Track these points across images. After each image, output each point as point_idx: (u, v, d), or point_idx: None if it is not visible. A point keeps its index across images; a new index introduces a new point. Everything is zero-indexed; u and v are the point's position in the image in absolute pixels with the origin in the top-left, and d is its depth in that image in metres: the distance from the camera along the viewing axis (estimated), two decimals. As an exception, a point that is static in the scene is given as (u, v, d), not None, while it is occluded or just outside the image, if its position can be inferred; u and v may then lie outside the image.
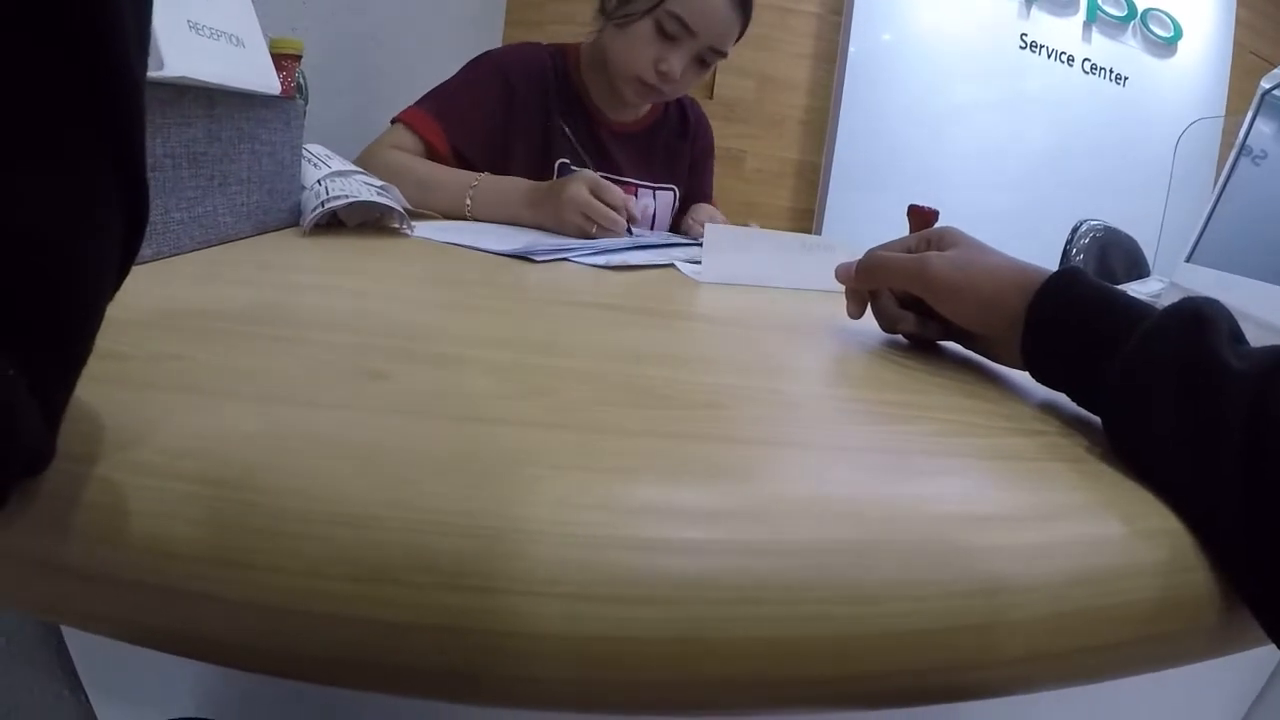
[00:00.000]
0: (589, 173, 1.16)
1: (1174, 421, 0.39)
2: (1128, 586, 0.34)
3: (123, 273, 0.26)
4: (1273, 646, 0.34)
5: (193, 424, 0.31)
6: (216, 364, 0.38)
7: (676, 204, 1.64)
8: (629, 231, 1.13)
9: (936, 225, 0.62)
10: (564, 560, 0.27)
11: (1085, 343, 0.48)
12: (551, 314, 0.64)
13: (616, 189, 1.15)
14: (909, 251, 0.64)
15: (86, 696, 0.70)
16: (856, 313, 0.68)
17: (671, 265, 1.00)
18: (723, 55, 1.39)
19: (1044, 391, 0.53)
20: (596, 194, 1.12)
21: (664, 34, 1.32)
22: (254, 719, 0.61)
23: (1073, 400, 0.50)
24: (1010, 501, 0.36)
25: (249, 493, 0.27)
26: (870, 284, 0.66)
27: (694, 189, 1.68)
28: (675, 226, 1.63)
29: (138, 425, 0.30)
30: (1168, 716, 0.79)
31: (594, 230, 1.11)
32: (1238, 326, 0.42)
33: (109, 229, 0.24)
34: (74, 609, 0.28)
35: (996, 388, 0.56)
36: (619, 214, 1.12)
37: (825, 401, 0.50)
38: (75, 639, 0.68)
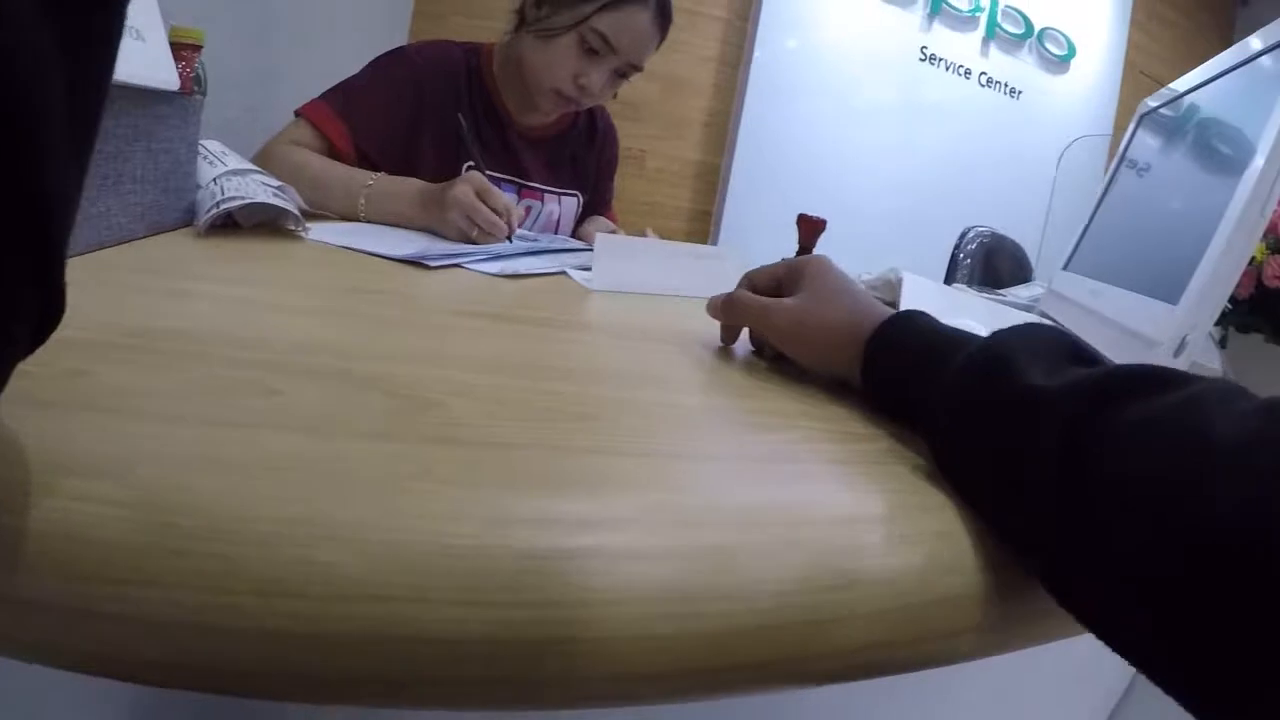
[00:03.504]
0: (476, 175, 1.16)
1: (986, 462, 0.42)
2: (954, 580, 0.39)
3: (28, 354, 0.26)
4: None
5: (97, 444, 0.31)
6: (118, 381, 0.38)
7: (580, 210, 1.65)
8: (509, 238, 1.13)
9: (818, 258, 0.67)
10: (450, 570, 0.29)
11: (906, 389, 0.52)
12: (444, 324, 0.65)
13: (501, 193, 1.15)
14: (775, 280, 0.68)
15: None
16: (728, 340, 0.73)
17: (564, 273, 1.02)
18: (639, 70, 1.41)
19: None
20: (482, 197, 1.12)
21: (587, 49, 1.34)
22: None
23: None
24: (858, 504, 0.41)
25: (154, 513, 0.28)
26: (730, 322, 0.71)
27: (594, 198, 1.70)
28: (573, 234, 1.64)
29: (45, 446, 0.30)
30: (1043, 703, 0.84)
31: (474, 233, 1.11)
32: (1079, 347, 0.46)
33: (16, 339, 0.24)
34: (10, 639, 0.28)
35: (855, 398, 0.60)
36: (501, 218, 1.12)
37: (701, 412, 0.53)
38: None
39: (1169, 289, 0.90)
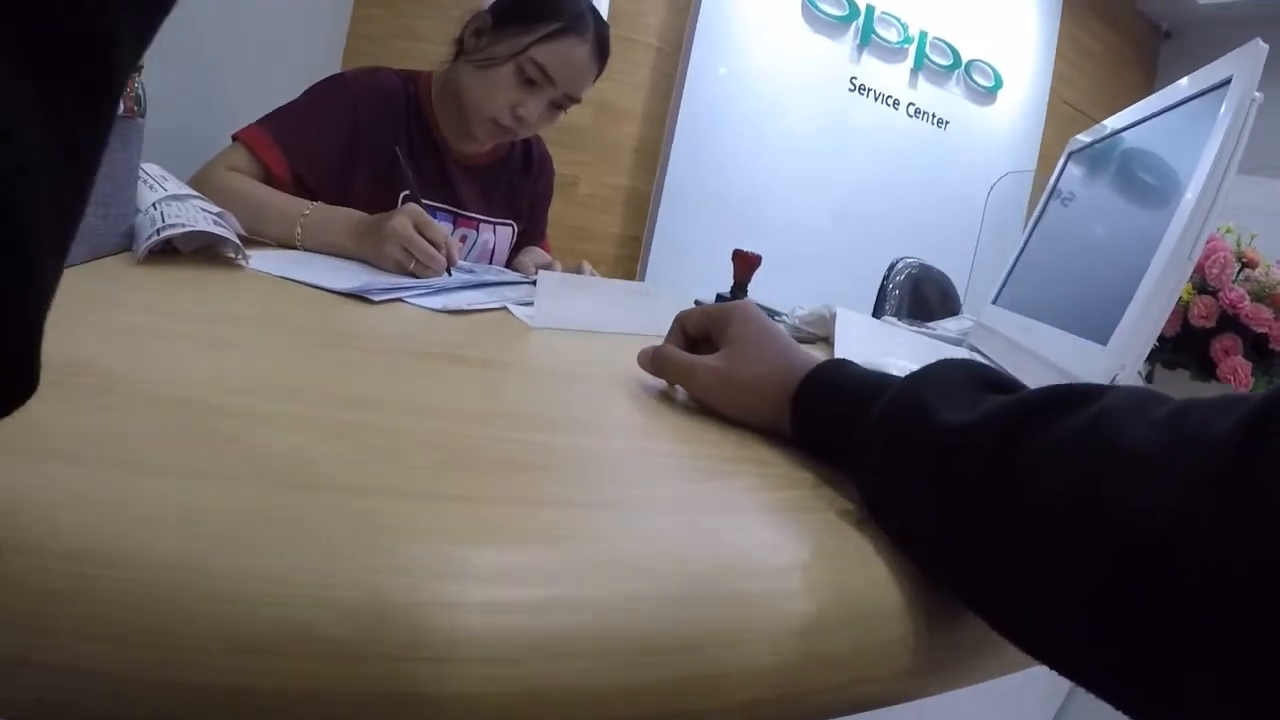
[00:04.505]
0: (414, 207, 1.15)
1: (913, 502, 0.44)
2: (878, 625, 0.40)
3: None
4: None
5: (49, 493, 0.31)
6: (69, 425, 0.37)
7: (514, 239, 1.65)
8: (448, 271, 1.13)
9: (741, 307, 0.68)
10: (376, 623, 0.29)
11: (832, 438, 0.55)
12: (387, 365, 0.65)
13: (440, 226, 1.15)
14: (702, 330, 0.70)
15: None
16: (669, 385, 0.73)
17: (505, 308, 1.03)
18: (577, 101, 1.42)
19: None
20: (420, 229, 1.11)
21: (525, 79, 1.35)
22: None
23: None
24: (775, 552, 0.42)
25: (108, 568, 0.28)
26: (658, 376, 0.72)
27: (529, 228, 1.70)
28: (508, 264, 1.65)
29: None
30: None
31: (412, 265, 1.10)
32: (991, 376, 0.48)
33: None
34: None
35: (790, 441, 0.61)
36: (439, 251, 1.11)
37: (632, 457, 0.54)
38: None
39: (1099, 328, 0.93)
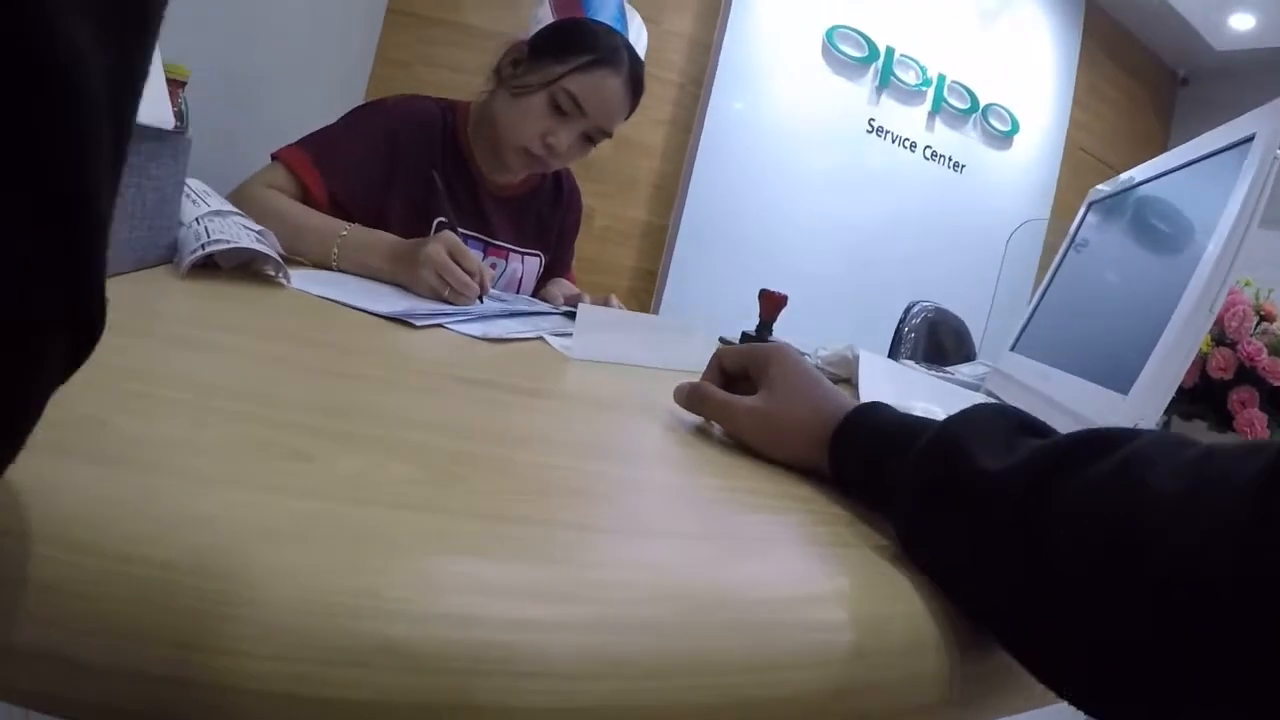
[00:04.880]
0: (450, 234, 1.16)
1: (950, 548, 0.45)
2: (913, 660, 0.40)
3: (65, 378, 0.24)
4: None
5: (122, 499, 0.31)
6: (136, 433, 0.38)
7: (541, 270, 1.67)
8: (480, 299, 1.14)
9: (780, 349, 0.69)
10: (429, 639, 0.29)
11: (869, 483, 0.55)
12: (426, 386, 0.66)
13: (474, 255, 1.15)
14: (742, 369, 0.71)
15: None
16: (706, 421, 0.73)
17: (540, 338, 1.04)
18: (608, 135, 1.44)
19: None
20: (455, 257, 1.12)
21: (557, 109, 1.36)
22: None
23: None
24: (813, 583, 0.42)
25: (188, 576, 0.28)
26: (696, 413, 0.72)
27: (556, 259, 1.71)
28: (535, 293, 1.66)
29: (58, 496, 0.30)
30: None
31: (446, 293, 1.11)
32: (1025, 420, 0.49)
33: (46, 342, 0.22)
34: (11, 688, 0.28)
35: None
36: (473, 279, 1.12)
37: (669, 489, 0.55)
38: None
39: (1119, 378, 0.93)
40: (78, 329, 0.23)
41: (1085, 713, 0.37)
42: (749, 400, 0.66)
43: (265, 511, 0.33)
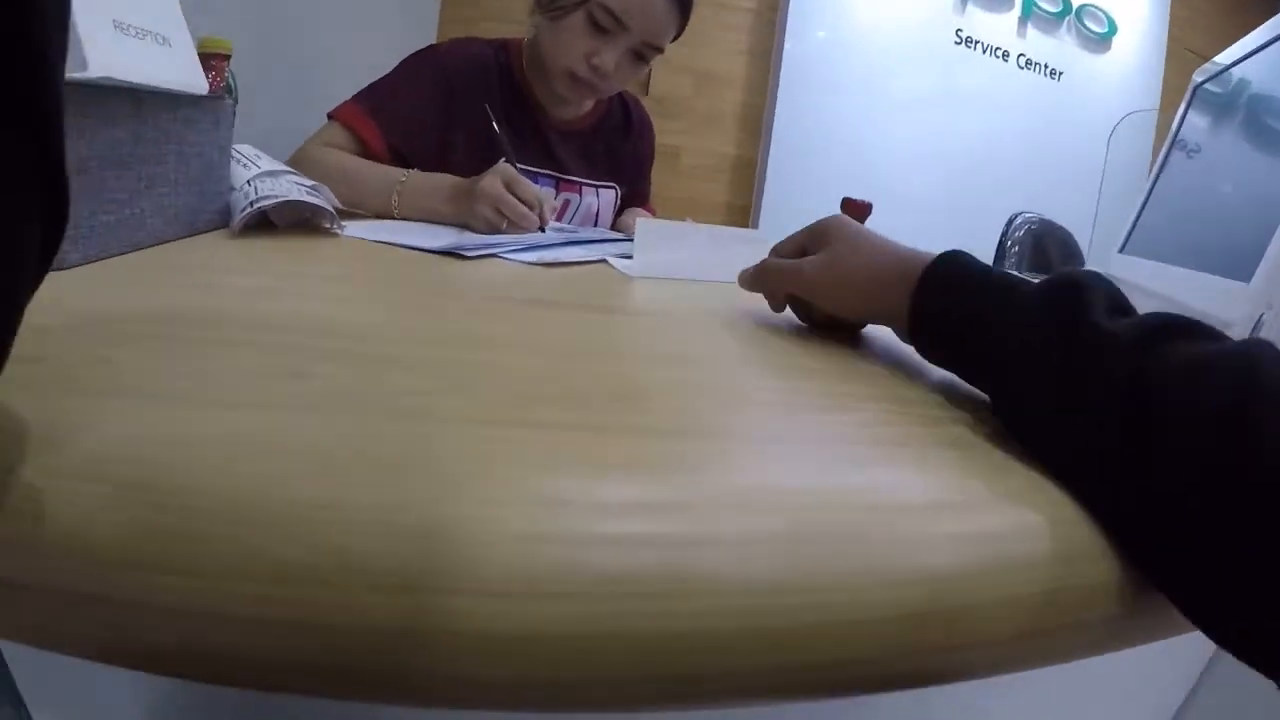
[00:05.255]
0: (505, 166, 1.14)
1: (1053, 394, 0.41)
2: (1038, 576, 0.35)
3: (41, 273, 0.25)
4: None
5: (112, 427, 0.30)
6: (138, 366, 0.37)
7: (619, 203, 1.63)
8: (541, 229, 1.11)
9: (837, 217, 0.65)
10: (488, 558, 0.27)
11: (966, 328, 0.50)
12: (478, 309, 0.64)
13: (531, 185, 1.13)
14: (800, 248, 0.67)
15: (29, 713, 0.67)
16: (776, 309, 0.71)
17: (603, 261, 1.01)
18: (658, 51, 1.38)
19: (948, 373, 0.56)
20: (511, 188, 1.10)
21: (596, 27, 1.31)
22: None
23: (964, 380, 0.53)
24: (921, 492, 0.37)
25: (168, 496, 0.27)
26: (764, 289, 0.70)
27: (632, 191, 1.68)
28: (613, 226, 1.63)
29: (58, 430, 0.30)
30: (1104, 708, 0.81)
31: (504, 225, 1.09)
32: (1120, 297, 0.45)
33: (29, 235, 0.24)
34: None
35: (906, 371, 0.58)
36: (532, 209, 1.11)
37: (748, 392, 0.51)
38: (15, 651, 0.66)
39: (1239, 267, 0.88)
40: (49, 220, 0.24)
41: (1162, 588, 0.36)
42: (818, 255, 0.64)
43: (258, 431, 0.32)
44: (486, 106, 1.28)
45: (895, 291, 0.56)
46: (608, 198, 1.60)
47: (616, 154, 1.62)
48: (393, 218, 1.18)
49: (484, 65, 1.42)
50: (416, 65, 1.39)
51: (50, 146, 0.23)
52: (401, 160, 1.31)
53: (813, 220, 0.67)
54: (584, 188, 1.54)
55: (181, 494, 0.27)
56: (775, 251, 0.70)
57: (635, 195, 1.70)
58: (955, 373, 0.53)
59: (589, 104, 1.54)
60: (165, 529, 0.27)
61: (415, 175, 1.21)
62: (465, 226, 1.14)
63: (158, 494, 0.27)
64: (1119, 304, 0.44)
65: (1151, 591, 0.36)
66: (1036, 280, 0.48)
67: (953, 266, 0.54)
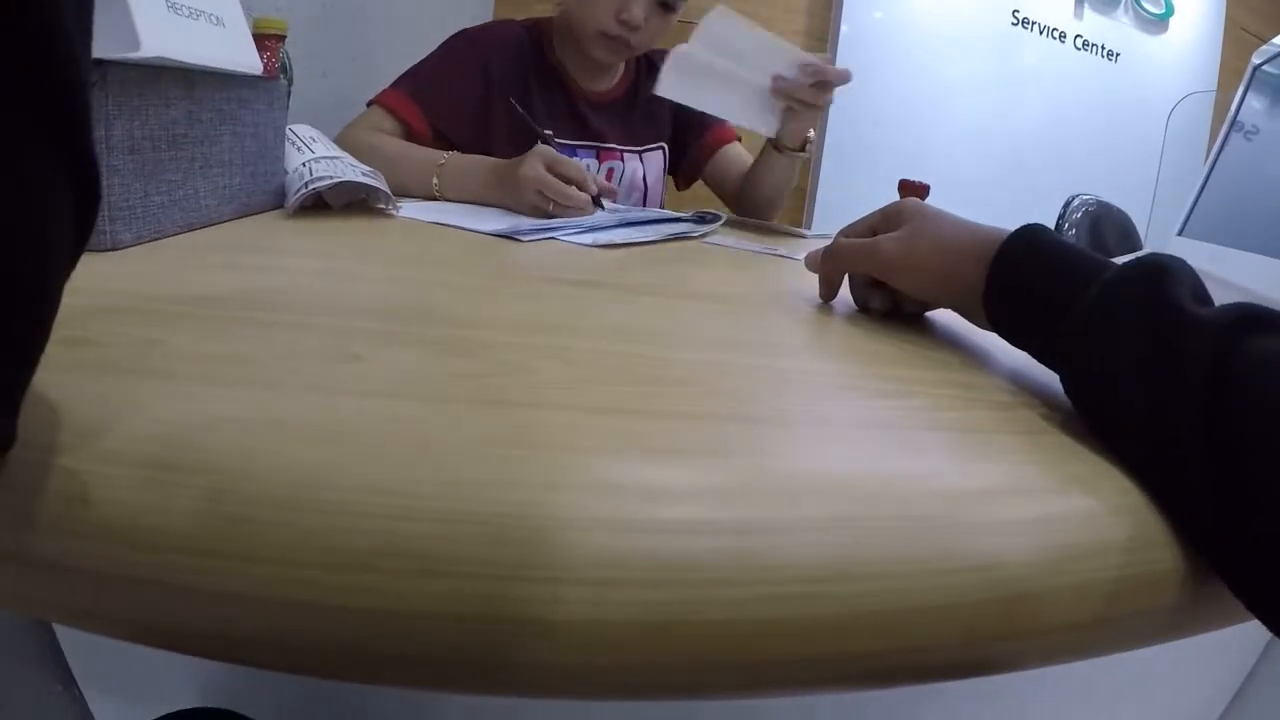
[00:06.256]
0: (544, 147, 1.12)
1: (1130, 375, 0.40)
2: (1104, 564, 0.34)
3: (76, 252, 0.24)
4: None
5: (162, 410, 0.30)
6: (190, 349, 0.37)
7: (667, 162, 1.60)
8: (600, 205, 1.10)
9: (911, 199, 0.63)
10: (552, 544, 0.27)
11: (1045, 301, 0.49)
12: (537, 293, 0.63)
13: (573, 163, 1.11)
14: (871, 230, 0.66)
15: (80, 692, 0.68)
16: (828, 296, 0.70)
17: (662, 240, 1.00)
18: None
19: (1014, 357, 0.54)
20: (552, 169, 1.08)
21: None
22: (261, 707, 0.60)
23: (1039, 361, 0.51)
24: (988, 478, 0.36)
25: (219, 480, 0.27)
26: (836, 270, 0.68)
27: (695, 129, 1.61)
28: (727, 188, 1.60)
29: (107, 413, 0.29)
30: (1155, 699, 0.79)
31: (551, 208, 1.07)
32: (1202, 286, 0.43)
33: (58, 211, 0.23)
34: (44, 602, 0.28)
35: (970, 356, 0.57)
36: (578, 187, 1.09)
37: (809, 377, 0.50)
38: (67, 633, 0.67)
39: None
40: (80, 188, 0.23)
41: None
42: (896, 233, 0.62)
43: (312, 411, 0.32)
44: (511, 100, 1.27)
45: (974, 268, 0.55)
46: (654, 161, 1.57)
47: (654, 114, 1.58)
48: (434, 200, 1.17)
49: (516, 45, 1.42)
50: (453, 48, 1.38)
51: (72, 121, 0.22)
52: (445, 141, 1.30)
53: (869, 202, 0.65)
54: (625, 154, 1.52)
55: (233, 479, 0.27)
56: (845, 233, 0.69)
57: (707, 131, 1.62)
58: (1026, 348, 0.52)
59: (621, 68, 1.52)
60: (215, 514, 0.26)
61: (455, 157, 1.20)
62: (505, 209, 1.13)
63: (208, 478, 0.27)
64: (1200, 293, 0.43)
65: (1213, 581, 0.35)
66: (1117, 260, 0.47)
67: (1032, 240, 0.53)
